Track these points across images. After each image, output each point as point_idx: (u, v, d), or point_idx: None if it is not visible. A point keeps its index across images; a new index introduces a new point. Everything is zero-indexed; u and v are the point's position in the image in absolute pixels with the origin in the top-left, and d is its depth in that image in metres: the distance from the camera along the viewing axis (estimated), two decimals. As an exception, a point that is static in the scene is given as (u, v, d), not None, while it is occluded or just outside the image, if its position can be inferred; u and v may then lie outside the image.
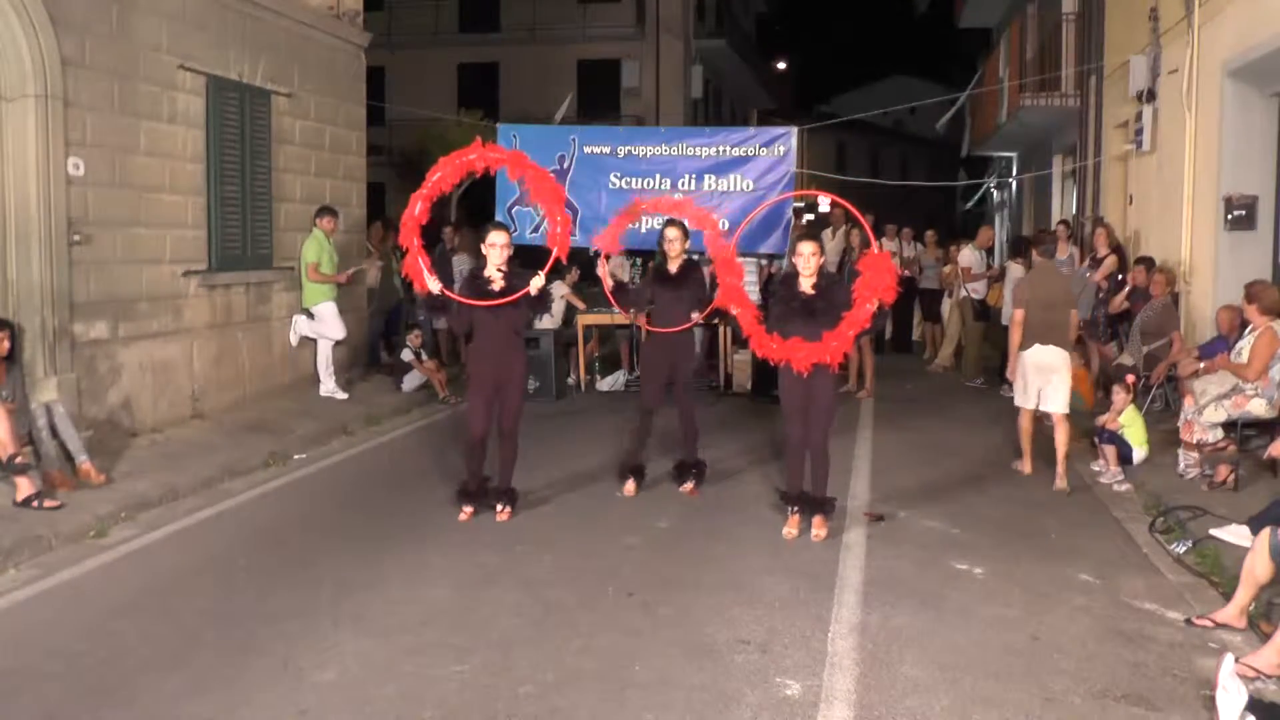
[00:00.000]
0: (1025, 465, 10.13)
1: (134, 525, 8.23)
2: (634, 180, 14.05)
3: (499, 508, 8.42)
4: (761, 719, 5.14)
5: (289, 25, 13.20)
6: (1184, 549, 7.57)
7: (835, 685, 5.50)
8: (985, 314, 15.76)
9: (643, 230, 14.38)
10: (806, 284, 7.85)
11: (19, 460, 8.21)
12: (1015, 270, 15.01)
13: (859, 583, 7.05)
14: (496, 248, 8.18)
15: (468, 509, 8.40)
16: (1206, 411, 9.24)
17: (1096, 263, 13.81)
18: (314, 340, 13.09)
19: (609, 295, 9.33)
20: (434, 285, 8.13)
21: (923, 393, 14.91)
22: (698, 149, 14.19)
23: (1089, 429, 10.42)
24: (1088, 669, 5.72)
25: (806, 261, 7.78)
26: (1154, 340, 11.75)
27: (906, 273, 16.76)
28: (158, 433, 10.68)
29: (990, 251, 17.54)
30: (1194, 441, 9.28)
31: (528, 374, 8.83)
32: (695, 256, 9.96)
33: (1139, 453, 9.71)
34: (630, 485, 9.24)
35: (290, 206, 13.21)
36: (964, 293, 15.78)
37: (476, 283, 8.25)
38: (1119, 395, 10.00)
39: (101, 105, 10.13)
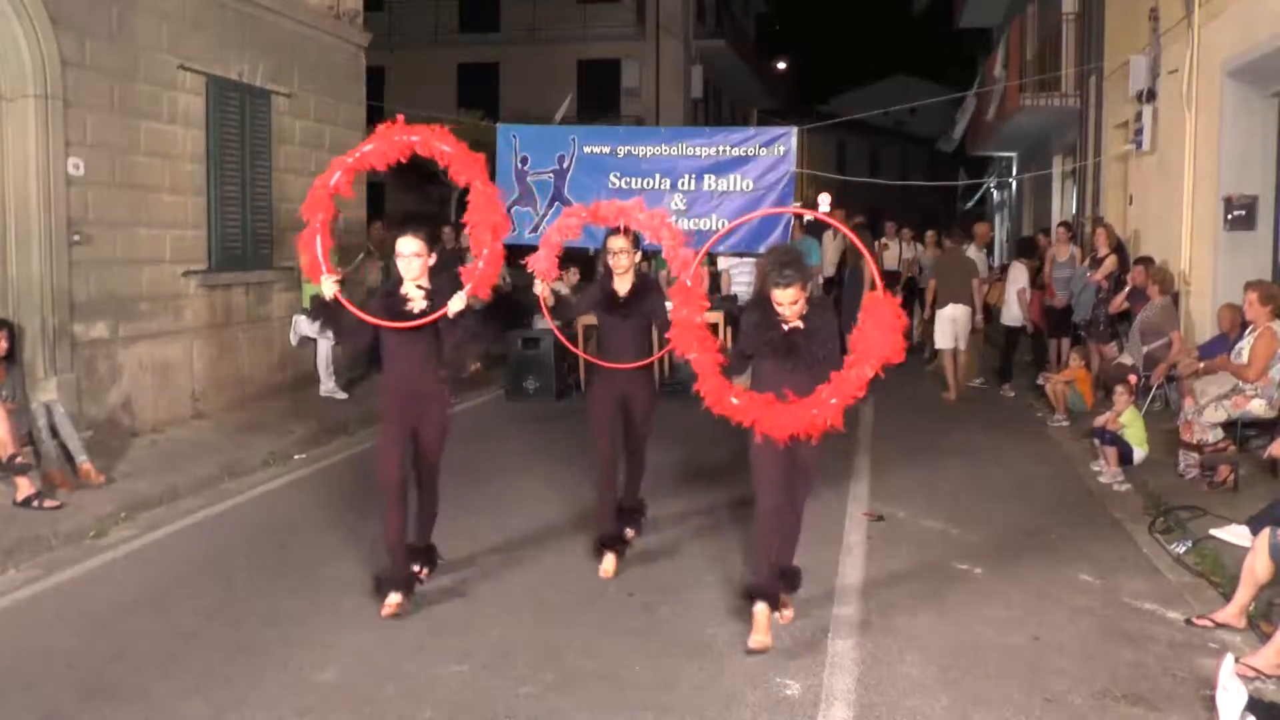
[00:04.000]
0: (951, 395, 14.27)
1: (134, 525, 8.23)
2: (634, 180, 14.05)
3: (415, 568, 6.77)
4: (761, 717, 5.15)
5: (289, 25, 13.20)
6: (1184, 549, 7.57)
7: (835, 685, 5.51)
8: (986, 314, 15.76)
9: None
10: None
11: (19, 460, 8.23)
12: (1018, 271, 15.02)
13: (859, 583, 7.05)
14: (406, 258, 6.44)
15: (393, 599, 6.46)
16: (1206, 411, 9.24)
17: (1097, 263, 13.81)
18: (314, 340, 13.09)
19: (546, 316, 7.40)
20: (328, 286, 6.47)
21: (922, 393, 14.90)
22: (698, 149, 14.20)
23: (1089, 429, 10.40)
24: (1088, 669, 5.73)
25: (787, 310, 5.95)
26: (1154, 340, 11.74)
27: (908, 274, 16.76)
28: (158, 433, 10.69)
29: (989, 249, 17.54)
30: (1194, 441, 9.27)
31: (447, 415, 6.85)
32: (647, 269, 8.37)
33: (1139, 453, 9.70)
34: (610, 563, 7.28)
35: (290, 206, 13.15)
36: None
37: (390, 300, 6.57)
38: (1120, 396, 10.01)
39: (101, 105, 10.14)
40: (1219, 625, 6.22)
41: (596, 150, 14.33)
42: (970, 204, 36.42)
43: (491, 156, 14.63)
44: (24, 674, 5.60)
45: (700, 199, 14.07)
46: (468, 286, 6.31)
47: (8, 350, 8.70)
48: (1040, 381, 13.96)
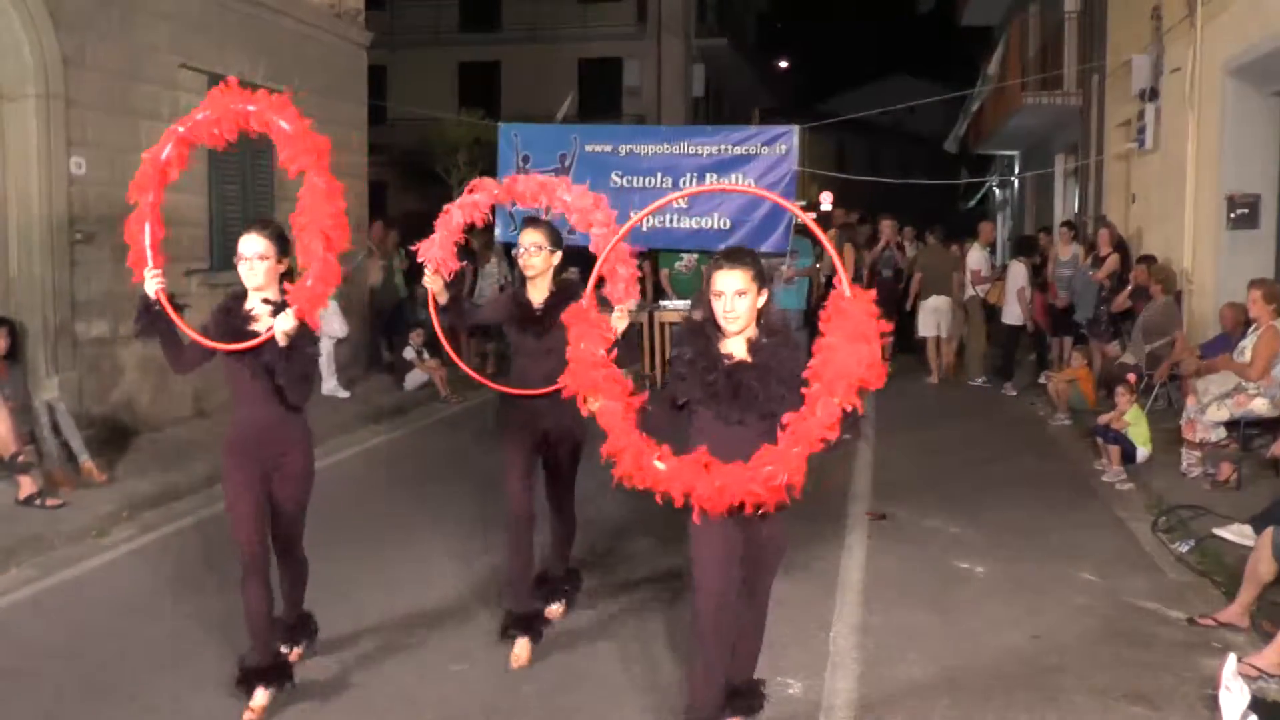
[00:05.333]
0: (934, 378, 15.44)
1: (135, 524, 8.23)
2: (636, 179, 14.04)
3: (285, 649, 5.51)
4: (762, 716, 5.09)
5: (290, 24, 13.21)
6: (1186, 548, 7.57)
7: (837, 685, 5.52)
8: (989, 314, 15.76)
9: (644, 228, 14.39)
10: (736, 345, 4.46)
11: (21, 459, 8.25)
12: (1017, 270, 15.01)
13: (860, 582, 7.05)
14: (248, 261, 5.10)
15: (260, 694, 5.17)
16: (1209, 410, 9.23)
17: (1099, 261, 13.81)
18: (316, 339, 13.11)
19: (433, 317, 6.00)
20: (152, 280, 5.15)
21: (925, 391, 14.90)
22: (699, 147, 14.18)
23: (1091, 428, 10.41)
24: (1089, 668, 5.73)
25: (730, 303, 4.37)
26: (1157, 339, 11.74)
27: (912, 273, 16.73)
28: (158, 431, 10.68)
29: (992, 249, 17.55)
30: (1197, 440, 9.27)
31: (308, 464, 5.38)
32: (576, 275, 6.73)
33: (1142, 452, 9.69)
34: (522, 649, 5.79)
35: (292, 205, 13.17)
36: (971, 292, 15.78)
37: (228, 317, 5.15)
38: (1122, 396, 10.00)
39: (102, 104, 10.14)
40: (1222, 624, 6.21)
41: (598, 149, 14.31)
42: (972, 203, 36.41)
43: (494, 155, 14.68)
44: (25, 672, 5.61)
45: (702, 198, 14.04)
46: (294, 308, 4.93)
47: (9, 349, 8.72)
48: (1042, 380, 14.00)
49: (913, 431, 11.98)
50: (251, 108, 5.28)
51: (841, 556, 7.56)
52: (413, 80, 29.93)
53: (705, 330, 4.50)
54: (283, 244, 5.22)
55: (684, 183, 14.07)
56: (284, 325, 4.89)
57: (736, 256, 4.42)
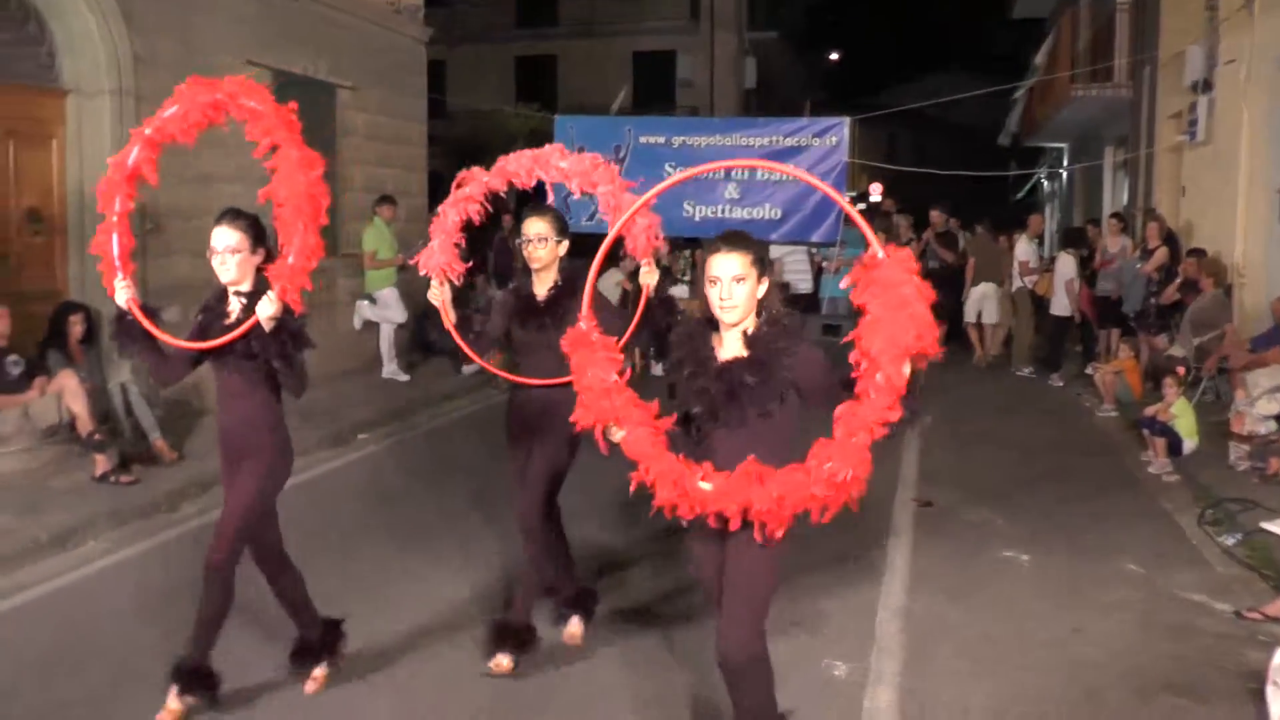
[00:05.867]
0: (980, 356, 16.11)
1: (202, 500, 8.47)
2: (689, 170, 14.20)
3: (316, 671, 5.34)
4: (808, 698, 5.21)
5: (352, 21, 13.49)
6: (1234, 541, 7.55)
7: (882, 669, 5.60)
8: (1038, 305, 15.79)
9: (696, 218, 14.57)
10: (732, 339, 4.06)
11: (97, 438, 8.61)
12: (1066, 262, 15.02)
13: (906, 569, 7.14)
14: (220, 255, 4.93)
15: (172, 698, 4.95)
16: (1259, 404, 9.24)
17: (1148, 254, 13.80)
18: (377, 324, 13.41)
19: (452, 333, 5.46)
20: (122, 291, 4.96)
21: (971, 381, 14.98)
22: (751, 139, 14.34)
23: (1138, 420, 10.43)
24: (1132, 660, 5.74)
25: (727, 290, 3.95)
26: (1205, 332, 11.74)
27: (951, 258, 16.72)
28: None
29: (1040, 240, 17.54)
30: (1245, 433, 9.28)
31: (283, 469, 5.24)
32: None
33: (1189, 444, 9.71)
34: (502, 661, 5.51)
35: (354, 196, 13.56)
36: (1019, 283, 15.82)
37: (207, 315, 5.05)
38: (1169, 388, 10.02)
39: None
40: (1270, 618, 6.16)
41: (652, 140, 14.51)
42: (1020, 195, 36.18)
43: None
44: (101, 639, 5.83)
45: (754, 189, 14.22)
46: (276, 287, 4.74)
47: (85, 334, 9.08)
48: (1089, 371, 14.00)
49: (959, 421, 12.04)
50: (219, 95, 5.10)
51: (888, 542, 7.65)
52: (471, 74, 30.24)
53: (696, 330, 4.14)
54: (257, 234, 5.02)
55: (736, 174, 14.25)
56: (266, 310, 4.72)
57: (733, 239, 4.02)
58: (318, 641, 5.34)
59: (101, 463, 8.52)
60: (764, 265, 4.04)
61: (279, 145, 4.98)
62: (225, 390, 5.02)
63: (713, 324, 4.07)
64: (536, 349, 5.44)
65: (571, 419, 3.94)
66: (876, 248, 3.71)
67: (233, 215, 4.99)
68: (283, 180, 4.88)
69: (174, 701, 4.93)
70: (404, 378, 13.36)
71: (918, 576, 7.00)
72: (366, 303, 13.37)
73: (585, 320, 4.06)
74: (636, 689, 5.35)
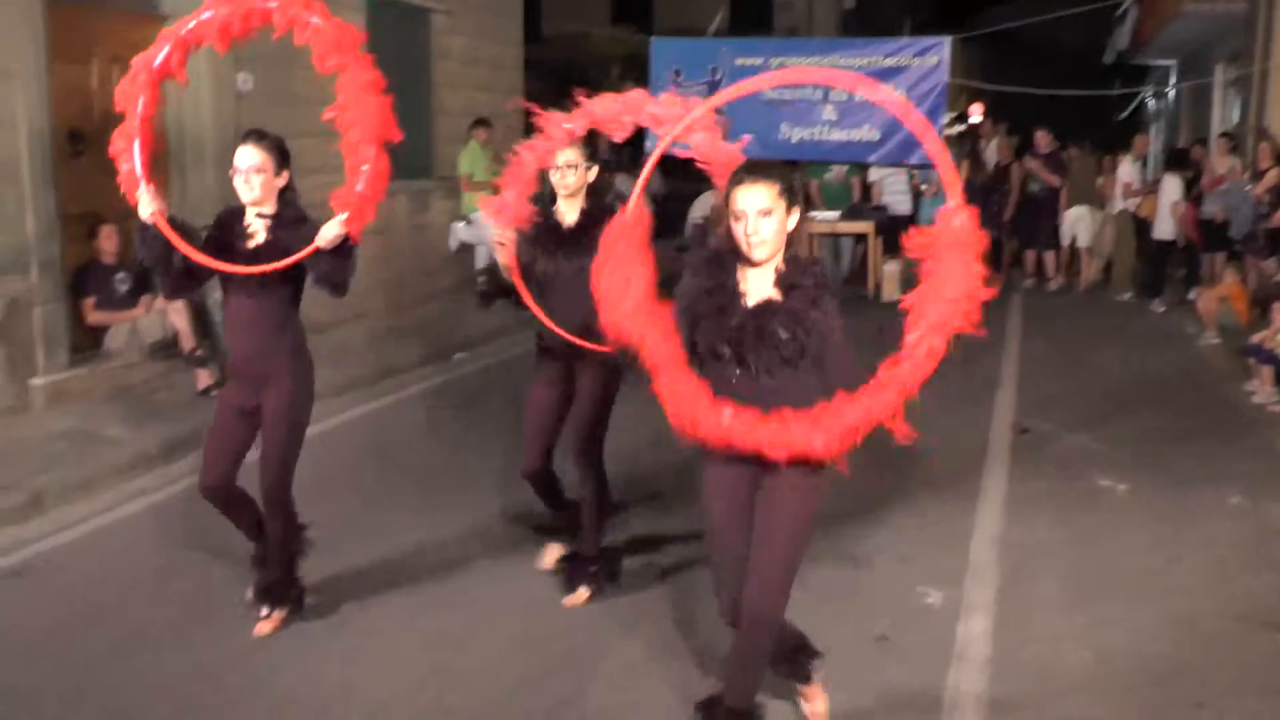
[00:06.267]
0: (1053, 284, 15.92)
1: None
2: (786, 91, 14.07)
3: (262, 611, 5.12)
4: (901, 626, 5.24)
5: (448, -57, 13.48)
6: (1341, 474, 7.37)
7: (975, 596, 5.57)
8: (1140, 228, 15.41)
9: (793, 140, 14.41)
10: (759, 279, 3.79)
11: (199, 354, 8.88)
12: (1171, 183, 14.61)
13: (1001, 496, 7.08)
14: (243, 174, 4.80)
15: (266, 616, 5.13)
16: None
17: (1258, 175, 13.36)
18: (472, 246, 13.51)
19: (525, 297, 5.42)
20: (146, 203, 4.71)
21: (1069, 306, 14.74)
22: (850, 60, 14.09)
23: (1243, 347, 10.18)
24: (1229, 592, 5.66)
25: (753, 225, 3.66)
26: (1318, 257, 11.40)
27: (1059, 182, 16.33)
28: (320, 332, 11.09)
29: (1144, 162, 17.05)
30: (1356, 363, 9.04)
31: (306, 396, 5.16)
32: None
33: (1297, 373, 9.47)
34: (582, 593, 5.51)
35: (449, 119, 13.63)
36: (1121, 206, 15.46)
37: (222, 232, 4.90)
38: (1278, 314, 9.77)
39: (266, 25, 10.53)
40: None
41: (749, 62, 14.33)
42: (1124, 115, 35.23)
43: (646, 70, 14.80)
44: (205, 551, 5.93)
45: (852, 110, 14.01)
46: (342, 215, 4.65)
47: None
48: (1191, 297, 13.68)
49: (1058, 346, 11.91)
50: (273, 2, 4.75)
51: (983, 468, 7.60)
52: (567, -2, 29.99)
53: (724, 260, 3.81)
54: (282, 156, 4.93)
55: (834, 95, 14.06)
56: (331, 232, 4.62)
57: (758, 169, 3.75)
58: (275, 588, 5.16)
59: (204, 378, 8.80)
60: (793, 196, 3.75)
61: (343, 69, 4.76)
62: (241, 315, 4.94)
63: (736, 256, 3.77)
64: (566, 279, 5.11)
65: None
66: (951, 193, 3.57)
67: (258, 135, 4.88)
68: (348, 104, 4.74)
69: (266, 621, 5.09)
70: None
71: (1013, 504, 6.94)
72: (462, 224, 13.47)
73: (633, 204, 3.77)
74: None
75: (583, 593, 5.49)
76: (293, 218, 4.87)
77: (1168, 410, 9.32)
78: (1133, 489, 7.27)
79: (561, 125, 5.07)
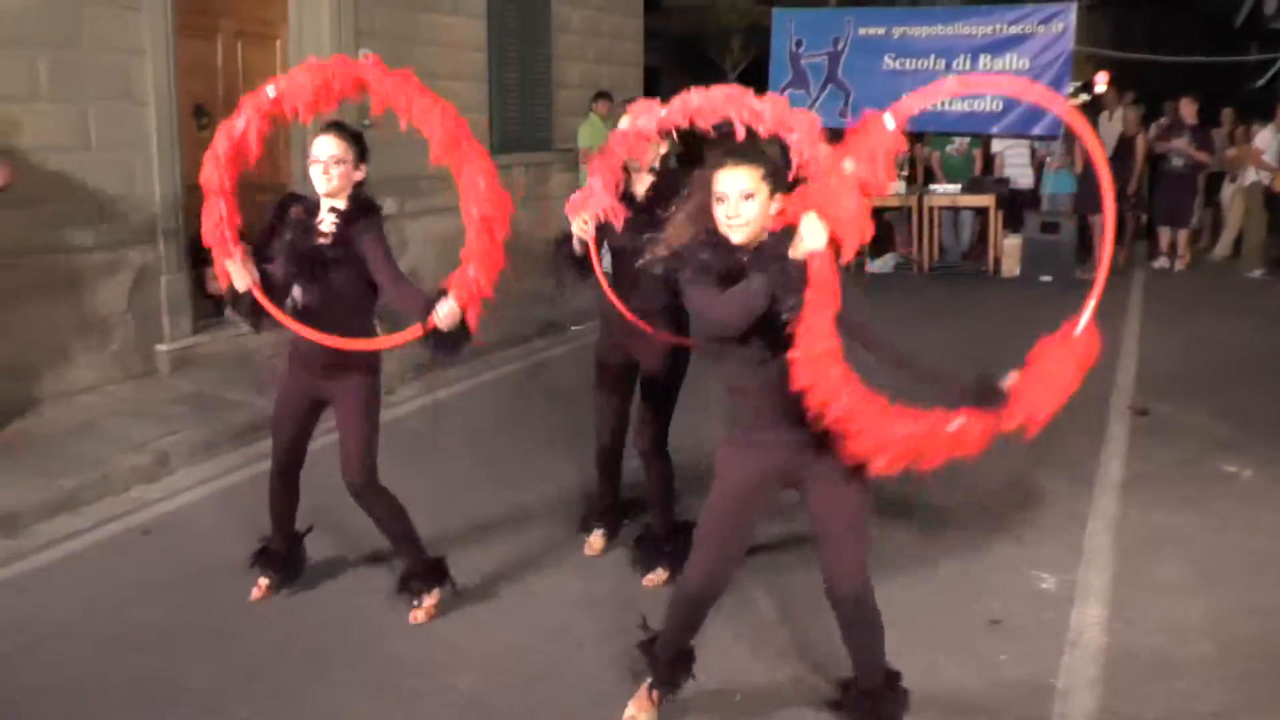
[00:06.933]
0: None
1: (419, 385, 8.86)
2: (909, 61, 13.95)
3: (414, 602, 5.11)
4: (1015, 609, 5.18)
5: (569, -86, 13.53)
6: None
7: (1090, 582, 5.48)
8: (1273, 202, 14.90)
9: (915, 112, 14.17)
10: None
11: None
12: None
13: (1119, 478, 6.94)
14: (321, 164, 4.69)
15: (261, 582, 5.30)
16: None
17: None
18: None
19: (601, 280, 5.36)
20: (241, 280, 4.81)
21: (1195, 282, 14.35)
22: (974, 28, 13.89)
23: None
24: None
25: (734, 208, 3.66)
26: None
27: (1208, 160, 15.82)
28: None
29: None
30: None
31: (377, 387, 5.08)
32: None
33: None
34: (595, 539, 5.79)
35: (569, 92, 13.72)
36: (1253, 177, 14.96)
37: (297, 232, 4.84)
38: None
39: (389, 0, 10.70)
40: None
41: (872, 32, 14.21)
42: (1261, 82, 34.03)
43: (768, 40, 14.74)
44: (324, 509, 5.87)
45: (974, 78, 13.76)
46: (451, 295, 4.59)
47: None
48: (1330, 276, 13.24)
49: (1181, 324, 11.60)
50: (371, 76, 4.66)
51: (1101, 450, 7.46)
52: (688, -32, 29.80)
53: (717, 241, 3.76)
54: (361, 149, 4.84)
55: (957, 64, 13.86)
56: (442, 317, 4.52)
57: (740, 153, 3.75)
58: (420, 575, 5.13)
59: (322, 346, 8.94)
60: (777, 180, 3.72)
61: (458, 145, 4.66)
62: (312, 304, 4.83)
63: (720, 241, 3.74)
64: (631, 254, 4.85)
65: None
66: (1097, 160, 3.65)
67: (338, 126, 4.80)
68: (469, 189, 4.70)
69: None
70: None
71: (1131, 487, 6.79)
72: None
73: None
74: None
75: (661, 573, 5.45)
76: (361, 212, 4.81)
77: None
78: (1259, 474, 7.04)
79: (655, 113, 4.91)
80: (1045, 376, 3.69)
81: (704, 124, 4.79)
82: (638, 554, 5.58)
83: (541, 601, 5.26)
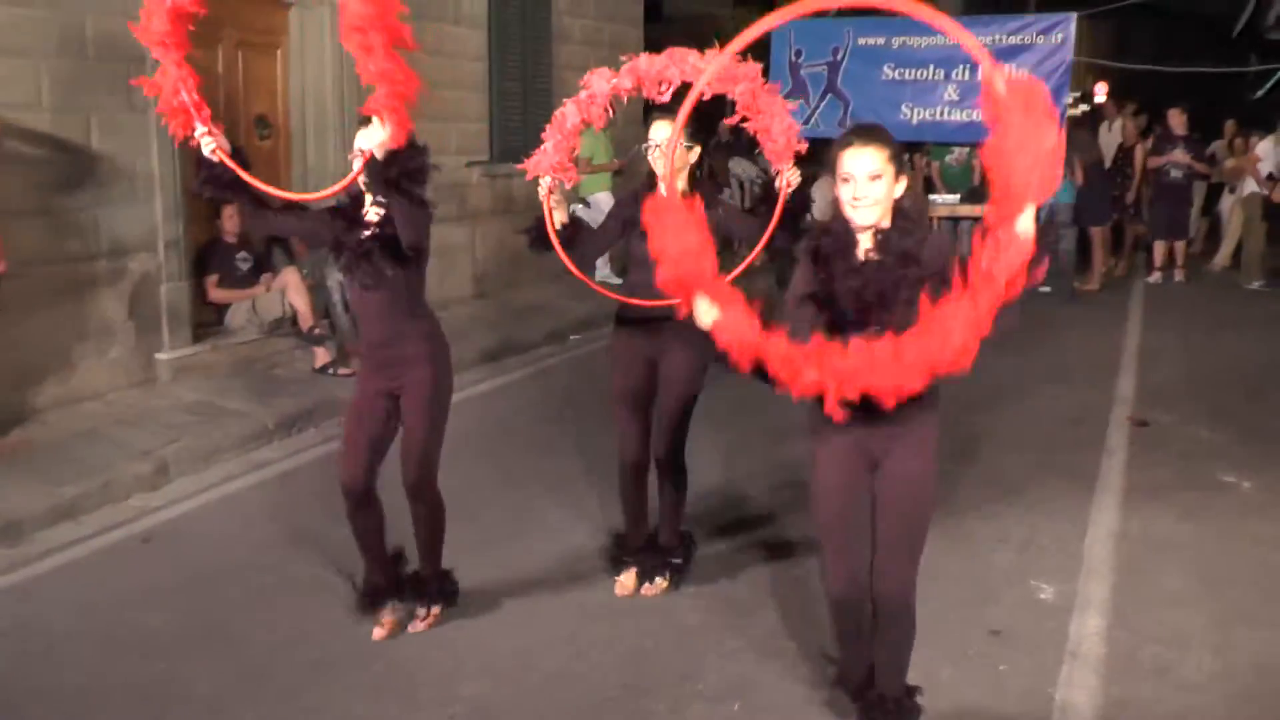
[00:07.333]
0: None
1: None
2: (908, 71, 13.95)
3: (419, 611, 5.07)
4: (1015, 618, 5.18)
5: (570, -78, 13.54)
6: None
7: (1091, 592, 5.47)
8: (1272, 212, 14.89)
9: (914, 121, 14.22)
10: (861, 244, 3.70)
11: (317, 332, 9.09)
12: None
13: (1120, 489, 6.94)
14: (362, 157, 4.33)
15: (385, 621, 5.01)
16: None
17: None
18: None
19: (557, 249, 5.04)
20: (207, 142, 4.46)
21: (1195, 293, 14.33)
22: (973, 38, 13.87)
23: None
24: None
25: (862, 189, 3.60)
26: None
27: (1206, 171, 15.84)
28: (442, 310, 11.15)
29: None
30: None
31: (446, 382, 4.89)
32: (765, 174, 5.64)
33: None
34: (628, 578, 5.49)
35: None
36: (1253, 188, 14.97)
37: (342, 215, 4.73)
38: None
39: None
40: None
41: (871, 42, 14.21)
42: (1261, 92, 34.04)
43: (767, 50, 14.74)
44: (322, 519, 6.04)
45: (973, 89, 13.73)
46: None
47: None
48: (1328, 287, 13.24)
49: (1181, 335, 11.59)
50: None
51: (1101, 461, 7.45)
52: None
53: (841, 229, 3.69)
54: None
55: (956, 74, 13.88)
56: (372, 140, 4.19)
57: (868, 132, 3.66)
58: (429, 581, 5.08)
59: (321, 355, 9.02)
60: (901, 163, 3.67)
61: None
62: (370, 302, 4.66)
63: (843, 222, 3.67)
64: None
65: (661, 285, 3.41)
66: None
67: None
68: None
69: (383, 617, 5.02)
70: (616, 280, 13.51)
71: (1131, 498, 6.78)
72: (580, 206, 13.53)
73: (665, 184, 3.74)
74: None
75: (661, 583, 5.42)
76: (405, 196, 4.44)
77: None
78: (1259, 485, 7.04)
79: (607, 78, 4.95)
80: (1022, 146, 3.04)
81: (649, 87, 4.86)
82: (641, 563, 5.47)
83: (545, 609, 5.27)
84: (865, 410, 3.31)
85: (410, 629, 5.02)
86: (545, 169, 5.00)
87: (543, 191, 5.01)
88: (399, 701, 4.48)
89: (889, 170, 3.59)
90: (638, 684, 4.55)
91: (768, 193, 4.97)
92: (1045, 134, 3.03)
